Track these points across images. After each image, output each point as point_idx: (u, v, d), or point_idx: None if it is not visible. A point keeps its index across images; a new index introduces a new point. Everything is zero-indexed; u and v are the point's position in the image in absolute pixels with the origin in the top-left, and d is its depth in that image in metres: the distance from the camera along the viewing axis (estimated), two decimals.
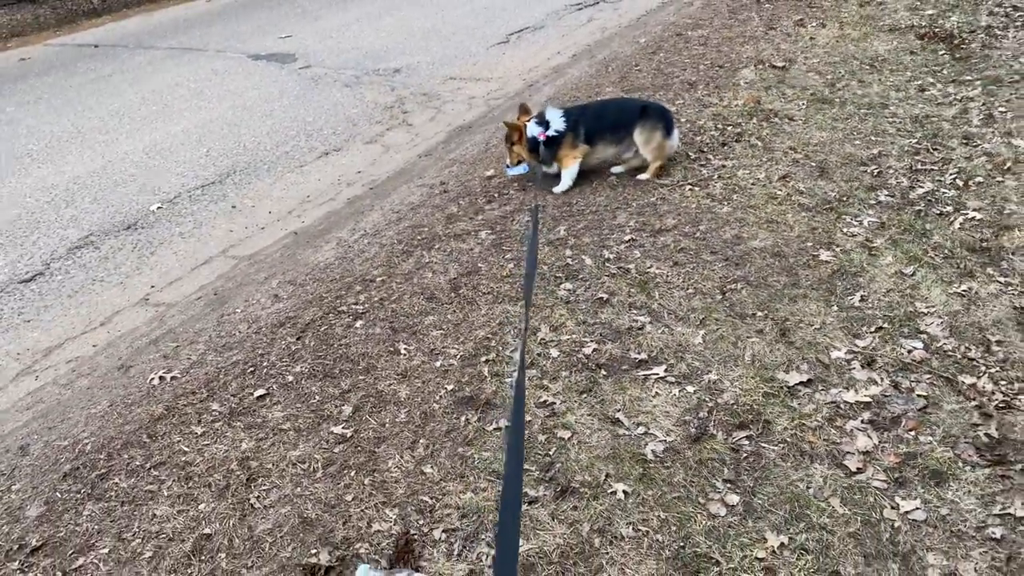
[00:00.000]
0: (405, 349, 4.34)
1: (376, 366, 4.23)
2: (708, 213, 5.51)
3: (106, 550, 3.24)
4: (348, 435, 3.77)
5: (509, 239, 5.49)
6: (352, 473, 3.52)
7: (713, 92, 7.99)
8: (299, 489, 3.45)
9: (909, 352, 3.92)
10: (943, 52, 8.21)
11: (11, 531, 3.41)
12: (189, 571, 3.10)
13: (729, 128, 7.06)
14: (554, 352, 4.18)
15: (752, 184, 5.93)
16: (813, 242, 5.00)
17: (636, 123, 5.93)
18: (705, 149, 6.67)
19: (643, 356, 4.07)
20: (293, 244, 6.11)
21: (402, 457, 3.58)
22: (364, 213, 6.40)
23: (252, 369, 4.36)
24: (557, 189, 6.01)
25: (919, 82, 7.54)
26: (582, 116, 5.79)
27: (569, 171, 6.00)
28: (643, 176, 6.14)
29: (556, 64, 9.87)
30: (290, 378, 4.23)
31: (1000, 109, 6.63)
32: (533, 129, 5.57)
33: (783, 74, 8.25)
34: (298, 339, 4.59)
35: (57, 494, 3.57)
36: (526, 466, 3.46)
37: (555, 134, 5.56)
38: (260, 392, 4.14)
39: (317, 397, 4.06)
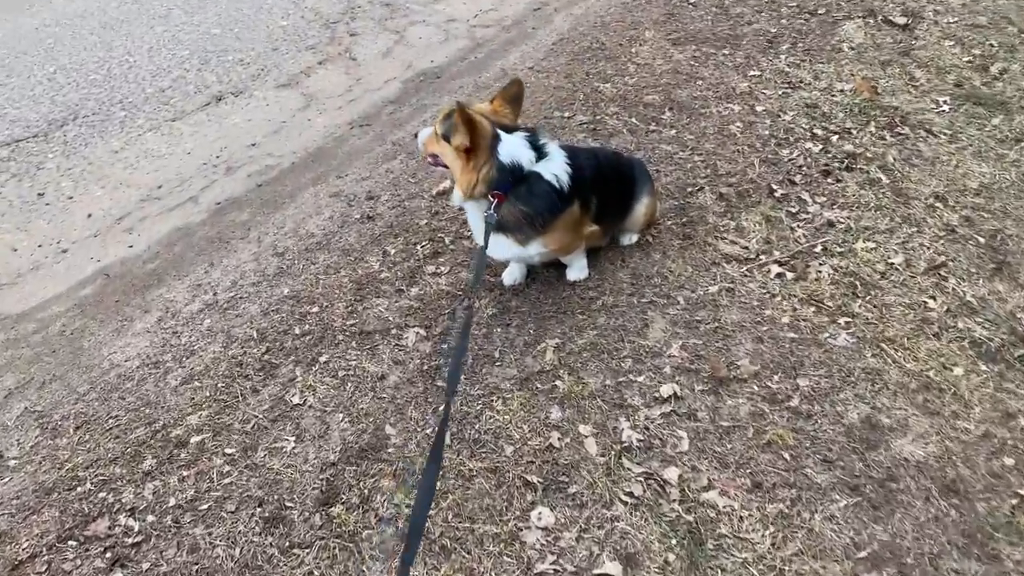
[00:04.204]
0: None
1: None
2: (812, 346, 3.01)
3: None
4: None
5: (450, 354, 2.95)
6: None
7: (804, 60, 5.25)
8: None
9: None
10: None
11: None
12: None
13: (834, 138, 4.38)
14: None
15: (883, 275, 3.37)
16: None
17: (643, 191, 3.46)
18: (798, 179, 4.04)
19: None
20: (93, 307, 3.53)
21: None
22: (230, 246, 3.80)
23: None
24: (572, 276, 3.44)
25: None
26: (589, 169, 3.14)
27: (579, 258, 3.41)
28: (630, 241, 3.66)
29: None
30: None
31: None
32: (515, 147, 2.88)
33: (906, 37, 5.47)
34: None
35: None
36: None
37: (555, 184, 2.91)
38: None
39: None
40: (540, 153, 2.94)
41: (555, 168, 2.95)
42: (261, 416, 2.85)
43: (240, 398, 2.93)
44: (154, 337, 3.28)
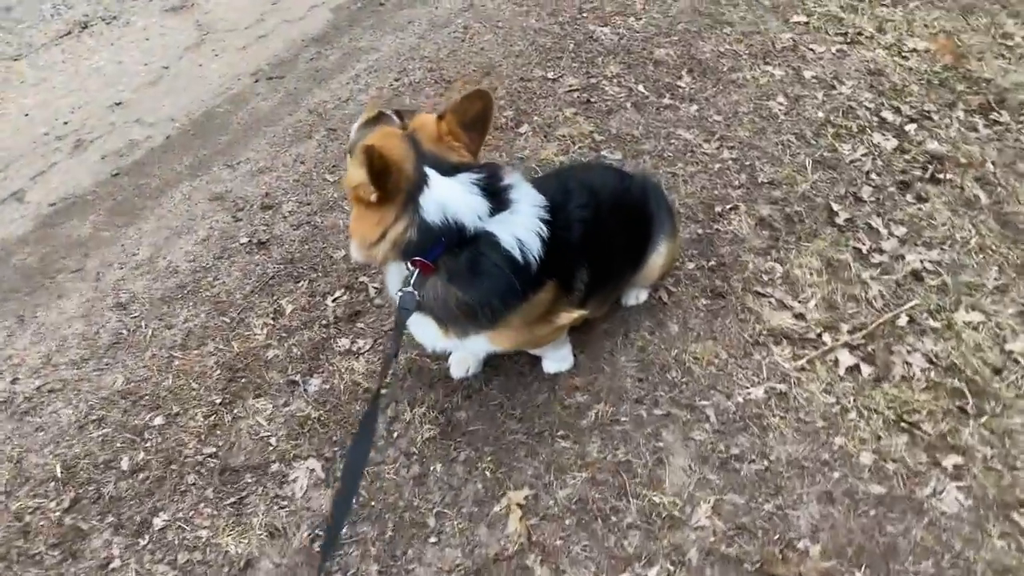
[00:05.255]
0: None
1: None
2: (909, 512, 2.07)
3: None
4: None
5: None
6: None
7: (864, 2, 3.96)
8: None
9: None
10: None
11: None
12: None
13: (910, 127, 3.21)
14: None
15: (999, 374, 2.40)
16: None
17: (661, 233, 2.20)
18: (866, 193, 2.96)
19: None
20: None
21: None
22: (55, 285, 2.61)
23: None
24: (551, 368, 2.26)
25: None
26: (581, 223, 1.95)
27: (558, 349, 2.24)
28: (637, 301, 2.48)
29: None
30: None
31: None
32: (450, 198, 1.69)
33: None
34: None
35: None
36: None
37: (515, 257, 1.70)
38: None
39: None
40: (499, 202, 1.72)
41: (520, 228, 1.77)
42: None
43: None
44: None
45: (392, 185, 1.66)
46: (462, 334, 1.90)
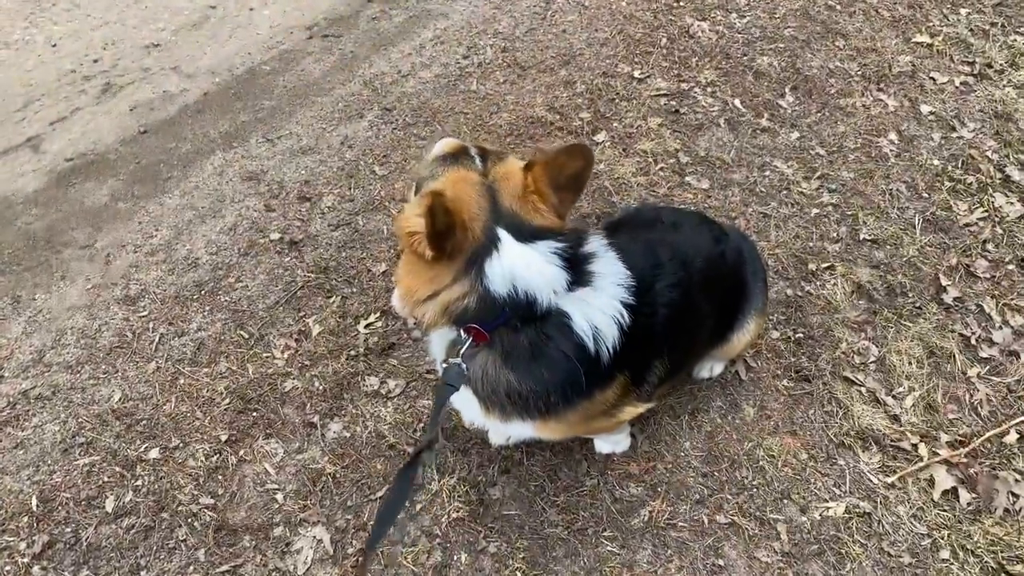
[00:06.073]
0: None
1: None
2: None
3: None
4: None
5: None
6: None
7: (996, 24, 3.63)
8: None
9: None
10: None
11: None
12: None
13: None
14: None
15: None
16: None
17: (751, 306, 1.97)
18: (980, 268, 2.64)
19: None
20: None
21: None
22: (60, 262, 2.33)
23: None
24: (605, 448, 2.01)
25: None
26: (667, 306, 1.66)
27: (616, 437, 1.93)
28: (711, 374, 2.19)
29: None
30: None
31: None
32: (523, 268, 1.39)
33: None
34: None
35: None
36: None
37: (587, 345, 1.41)
38: None
39: None
40: (579, 275, 1.39)
41: (597, 312, 1.48)
42: None
43: None
44: None
45: (453, 246, 1.33)
46: (505, 419, 1.60)
